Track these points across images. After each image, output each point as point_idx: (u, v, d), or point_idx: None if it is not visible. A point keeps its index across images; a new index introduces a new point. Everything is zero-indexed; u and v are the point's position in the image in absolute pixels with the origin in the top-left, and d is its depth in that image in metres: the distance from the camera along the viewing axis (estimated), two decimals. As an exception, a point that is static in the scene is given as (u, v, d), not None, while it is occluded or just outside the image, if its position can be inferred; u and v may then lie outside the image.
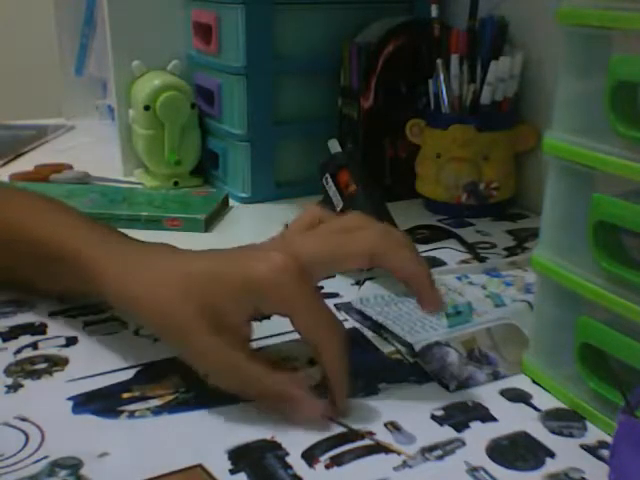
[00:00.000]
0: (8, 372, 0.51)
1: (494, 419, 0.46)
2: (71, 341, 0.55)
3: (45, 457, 0.42)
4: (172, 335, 0.46)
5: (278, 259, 0.44)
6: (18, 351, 0.54)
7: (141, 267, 0.49)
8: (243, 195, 0.90)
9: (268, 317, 0.54)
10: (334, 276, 0.66)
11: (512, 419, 0.46)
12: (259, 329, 0.57)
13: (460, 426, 0.46)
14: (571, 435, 0.45)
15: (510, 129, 0.84)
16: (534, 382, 0.50)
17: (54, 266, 0.54)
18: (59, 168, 1.00)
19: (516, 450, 0.43)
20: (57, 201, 0.60)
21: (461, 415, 0.47)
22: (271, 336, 0.56)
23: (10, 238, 0.57)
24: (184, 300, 0.45)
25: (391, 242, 0.47)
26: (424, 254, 0.73)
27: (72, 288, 0.57)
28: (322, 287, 0.65)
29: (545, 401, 0.48)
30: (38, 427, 0.45)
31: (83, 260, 0.51)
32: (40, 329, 0.57)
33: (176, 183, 0.95)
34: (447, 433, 0.45)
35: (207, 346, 0.44)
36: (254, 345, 0.54)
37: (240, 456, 0.42)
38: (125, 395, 0.49)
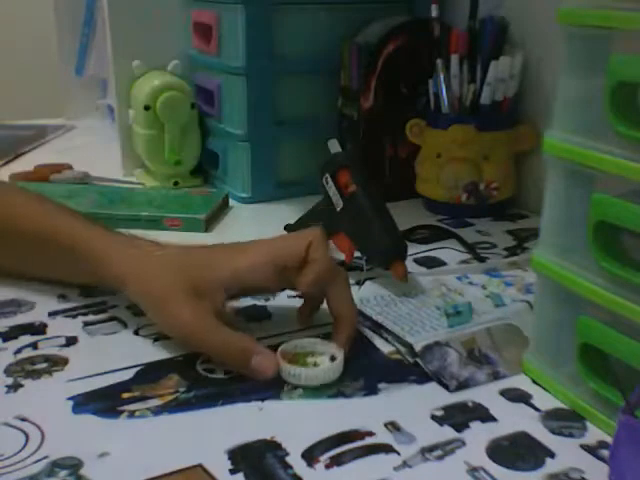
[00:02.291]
0: (8, 372, 0.51)
1: (494, 419, 0.46)
2: (71, 341, 0.55)
3: (45, 457, 0.42)
4: (154, 302, 0.52)
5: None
6: (18, 351, 0.54)
7: (139, 253, 0.56)
8: (243, 195, 0.90)
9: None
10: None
11: (512, 419, 0.46)
12: (259, 329, 0.57)
13: (460, 426, 0.46)
14: (571, 435, 0.45)
15: (510, 129, 0.84)
16: (534, 382, 0.50)
17: (63, 255, 0.58)
18: (59, 168, 1.00)
19: (516, 450, 0.43)
20: (53, 201, 0.64)
21: (461, 415, 0.47)
22: (271, 336, 0.56)
23: (16, 229, 0.61)
24: (174, 276, 0.52)
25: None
26: (424, 254, 0.73)
27: (78, 274, 0.61)
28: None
29: (545, 401, 0.48)
30: (38, 427, 0.45)
31: (92, 249, 0.57)
32: (40, 329, 0.57)
33: (176, 183, 0.95)
34: (447, 433, 0.45)
35: (183, 310, 0.51)
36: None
37: (240, 456, 0.42)
38: (125, 395, 0.48)
